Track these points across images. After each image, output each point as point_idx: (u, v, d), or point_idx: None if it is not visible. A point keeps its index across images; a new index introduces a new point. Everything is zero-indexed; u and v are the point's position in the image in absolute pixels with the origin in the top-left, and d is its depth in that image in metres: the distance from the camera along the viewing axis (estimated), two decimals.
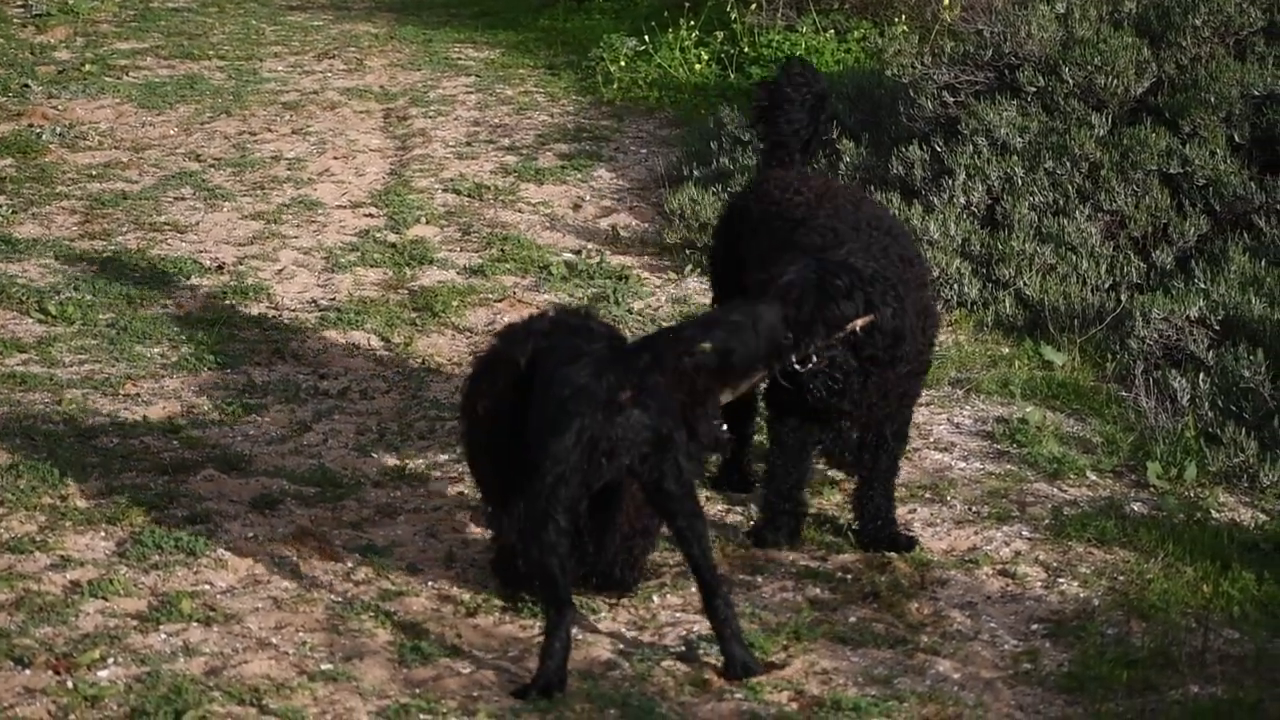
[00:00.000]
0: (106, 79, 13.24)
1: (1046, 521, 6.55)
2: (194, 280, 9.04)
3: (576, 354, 5.40)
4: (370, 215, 10.14)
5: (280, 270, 9.23)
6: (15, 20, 15.14)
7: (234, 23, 15.78)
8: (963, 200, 9.16)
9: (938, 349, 7.27)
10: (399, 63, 14.20)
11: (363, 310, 8.63)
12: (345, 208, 10.28)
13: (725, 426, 6.19)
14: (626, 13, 15.08)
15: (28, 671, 5.36)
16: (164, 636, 5.60)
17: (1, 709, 5.15)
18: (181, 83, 13.22)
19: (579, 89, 13.11)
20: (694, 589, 5.60)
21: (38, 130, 11.65)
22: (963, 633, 5.77)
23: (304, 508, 6.58)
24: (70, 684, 5.28)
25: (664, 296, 8.91)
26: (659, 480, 5.37)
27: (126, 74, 13.48)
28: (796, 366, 5.96)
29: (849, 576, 6.13)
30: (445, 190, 10.60)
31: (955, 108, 9.77)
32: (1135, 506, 6.72)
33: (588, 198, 10.51)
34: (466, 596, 5.95)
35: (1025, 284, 8.54)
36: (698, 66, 12.82)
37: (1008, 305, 8.52)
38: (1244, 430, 7.04)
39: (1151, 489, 6.88)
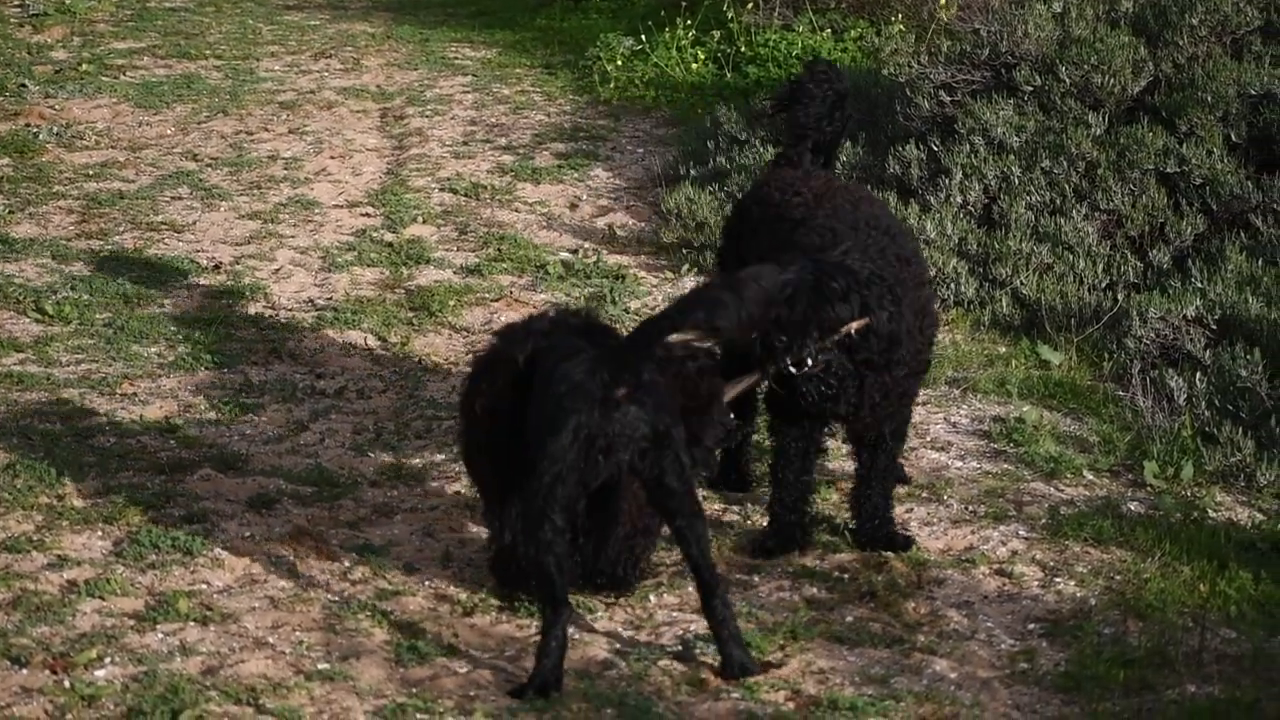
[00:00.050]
0: (103, 79, 13.24)
1: (1043, 521, 6.55)
2: (191, 280, 9.04)
3: (574, 353, 5.41)
4: (367, 215, 10.14)
5: (277, 270, 9.23)
6: (12, 20, 15.14)
7: (231, 22, 15.78)
8: (959, 199, 9.16)
9: (935, 348, 7.26)
10: (396, 62, 14.20)
11: (359, 310, 8.63)
12: (342, 207, 10.28)
13: (731, 415, 6.19)
14: (623, 12, 15.08)
15: (25, 671, 5.36)
16: (161, 636, 5.60)
17: None
18: (178, 82, 13.22)
19: (576, 88, 13.11)
20: (691, 588, 5.60)
21: (35, 130, 11.64)
22: (959, 632, 5.77)
23: (301, 507, 6.58)
24: (67, 683, 5.28)
25: (661, 296, 8.90)
26: (659, 477, 5.37)
27: (123, 73, 13.48)
28: (792, 369, 5.95)
29: (846, 576, 6.13)
30: (442, 190, 10.60)
31: (952, 107, 9.77)
32: (1132, 506, 6.72)
33: (584, 197, 10.51)
34: (463, 596, 5.95)
35: (1022, 283, 8.54)
36: (694, 66, 12.83)
37: (1005, 305, 8.52)
38: (1241, 430, 7.04)
39: (1148, 488, 6.88)
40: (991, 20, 10.07)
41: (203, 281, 9.01)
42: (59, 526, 6.32)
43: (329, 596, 5.92)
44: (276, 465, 6.95)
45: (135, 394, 7.61)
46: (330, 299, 8.81)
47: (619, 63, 13.02)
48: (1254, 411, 7.20)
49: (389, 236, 9.74)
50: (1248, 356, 7.35)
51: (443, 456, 7.02)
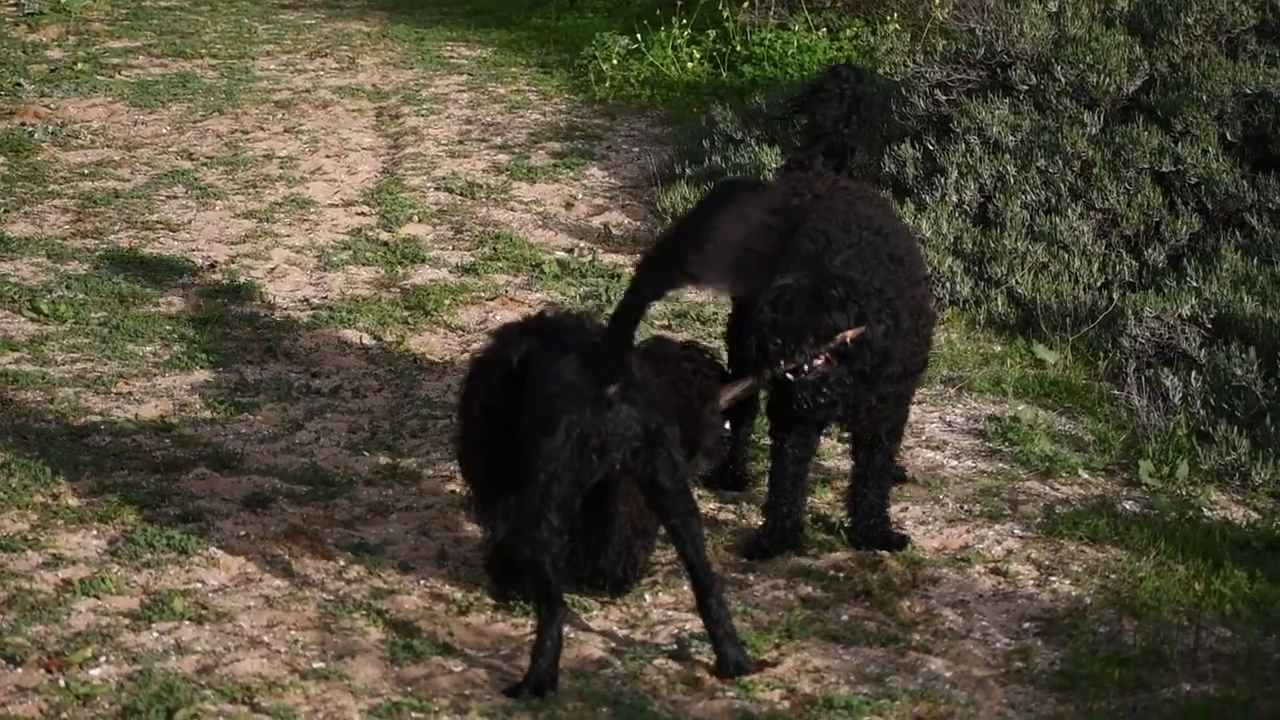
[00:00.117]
0: (99, 77, 13.23)
1: (1038, 520, 6.55)
2: (186, 279, 9.03)
3: (566, 352, 5.40)
4: (362, 214, 10.14)
5: (272, 269, 9.22)
6: (8, 19, 15.13)
7: (226, 21, 15.77)
8: (955, 198, 9.16)
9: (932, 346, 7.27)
10: (391, 61, 14.19)
11: (355, 309, 8.63)
12: (337, 206, 10.28)
13: (727, 425, 6.21)
14: (619, 11, 15.08)
15: (20, 670, 5.35)
16: (156, 635, 5.60)
17: None
18: (174, 81, 13.21)
19: (571, 87, 13.11)
20: (686, 587, 5.60)
21: (30, 129, 11.63)
22: (955, 631, 5.77)
23: (296, 506, 6.58)
24: (62, 682, 5.28)
25: None
26: (653, 475, 5.37)
27: (119, 72, 13.47)
28: (789, 377, 5.96)
29: (841, 575, 6.13)
30: (437, 189, 10.59)
31: (947, 106, 9.77)
32: (1127, 505, 6.72)
33: (580, 196, 10.51)
34: (459, 595, 5.95)
35: (1017, 282, 8.55)
36: (690, 65, 12.83)
37: (1000, 303, 8.52)
38: (1236, 428, 7.05)
39: (1143, 487, 6.88)
40: (987, 19, 10.08)
41: (198, 281, 9.01)
42: (54, 525, 6.31)
43: (324, 595, 5.91)
44: (272, 464, 6.94)
45: (130, 393, 7.61)
46: (326, 298, 8.81)
47: (614, 62, 13.01)
48: (1249, 410, 7.20)
49: (384, 235, 9.73)
50: (1243, 355, 7.35)
51: (438, 455, 7.02)
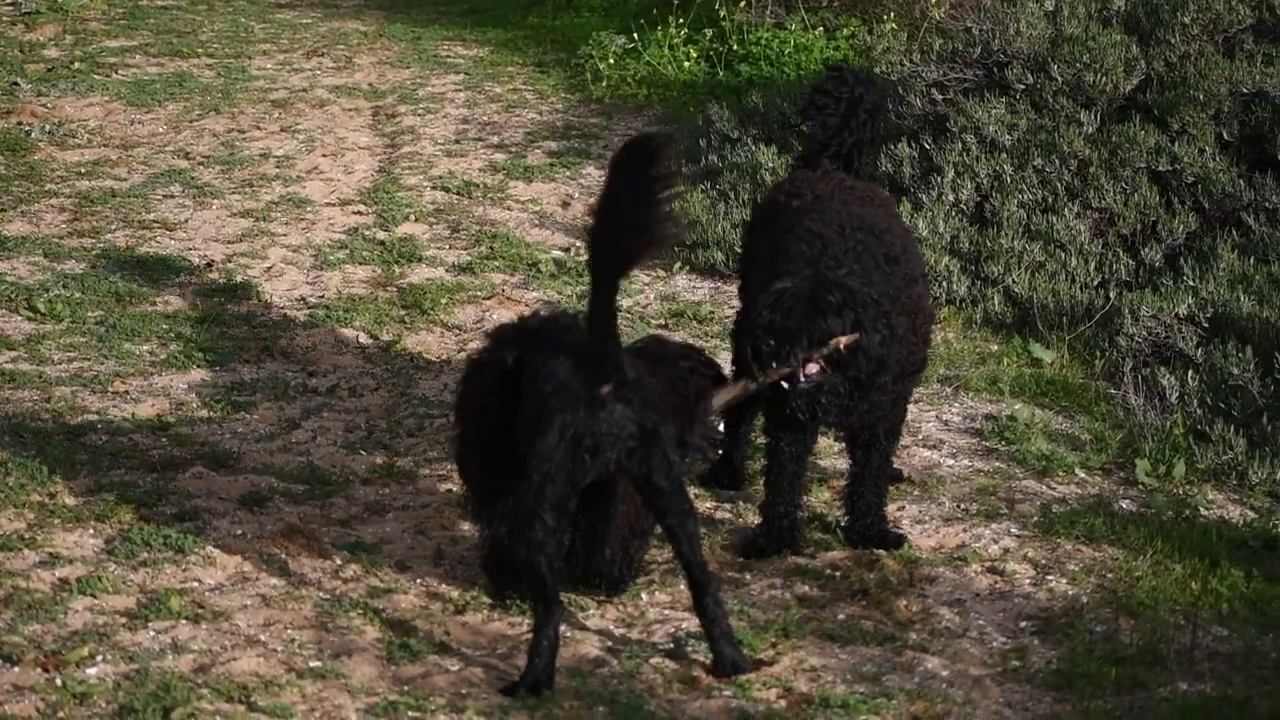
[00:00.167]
0: (95, 77, 13.22)
1: (1035, 519, 6.55)
2: (183, 278, 9.03)
3: (560, 352, 5.40)
4: (359, 213, 10.14)
5: (269, 268, 9.22)
6: (4, 18, 15.11)
7: (223, 20, 15.76)
8: (951, 198, 9.16)
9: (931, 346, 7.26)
10: (388, 60, 14.19)
11: (352, 308, 8.63)
12: (334, 205, 10.27)
13: (721, 426, 6.21)
14: (616, 10, 15.07)
15: (16, 669, 5.35)
16: (153, 634, 5.60)
17: None
18: (170, 80, 13.20)
19: (568, 86, 13.10)
20: (683, 586, 5.60)
21: (27, 128, 11.63)
22: (951, 630, 5.77)
23: (292, 505, 6.57)
24: (59, 681, 5.27)
25: (653, 294, 8.90)
26: (648, 475, 5.37)
27: (115, 72, 13.46)
28: (784, 384, 5.95)
29: (838, 574, 6.13)
30: (434, 188, 10.59)
31: (944, 105, 9.77)
32: (1124, 504, 6.72)
33: (577, 195, 10.50)
34: (455, 594, 5.95)
35: (1014, 281, 8.55)
36: (686, 64, 12.82)
37: (997, 303, 8.52)
38: (1233, 428, 7.05)
39: (1140, 486, 6.88)
40: (983, 18, 10.07)
41: (195, 280, 9.01)
42: (51, 524, 6.31)
43: (321, 594, 5.91)
44: (268, 463, 6.94)
45: (127, 392, 7.61)
46: (322, 297, 8.81)
47: (611, 61, 13.01)
48: (1246, 409, 7.20)
49: (381, 234, 9.73)
50: (1239, 354, 7.36)
51: (435, 454, 7.02)
